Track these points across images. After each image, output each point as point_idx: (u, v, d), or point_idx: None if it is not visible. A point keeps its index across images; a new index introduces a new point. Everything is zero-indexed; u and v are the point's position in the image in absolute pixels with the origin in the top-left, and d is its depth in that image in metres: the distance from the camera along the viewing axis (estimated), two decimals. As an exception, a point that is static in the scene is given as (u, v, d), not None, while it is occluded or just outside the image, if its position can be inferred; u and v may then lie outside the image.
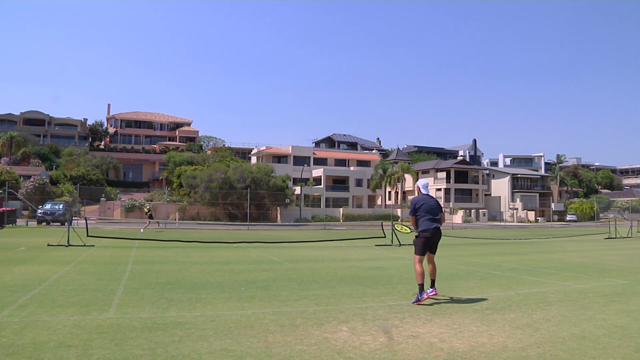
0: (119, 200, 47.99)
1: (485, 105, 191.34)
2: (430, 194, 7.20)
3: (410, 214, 7.10)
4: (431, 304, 6.69)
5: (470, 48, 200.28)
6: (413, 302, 6.59)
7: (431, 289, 6.69)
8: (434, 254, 6.99)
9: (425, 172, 67.58)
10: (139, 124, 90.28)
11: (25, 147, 67.61)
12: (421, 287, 6.60)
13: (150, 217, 29.65)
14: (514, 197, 69.71)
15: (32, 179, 42.22)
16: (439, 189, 64.61)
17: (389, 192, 65.33)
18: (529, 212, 67.55)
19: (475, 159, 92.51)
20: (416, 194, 7.41)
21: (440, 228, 6.96)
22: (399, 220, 47.08)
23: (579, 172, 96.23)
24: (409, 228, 8.16)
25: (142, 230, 26.76)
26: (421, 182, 7.31)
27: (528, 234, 31.92)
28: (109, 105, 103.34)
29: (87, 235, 17.25)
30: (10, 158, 64.14)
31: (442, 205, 7.01)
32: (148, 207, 31.47)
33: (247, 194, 37.89)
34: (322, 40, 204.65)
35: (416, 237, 6.93)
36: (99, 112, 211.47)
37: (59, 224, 32.08)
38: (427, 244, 6.81)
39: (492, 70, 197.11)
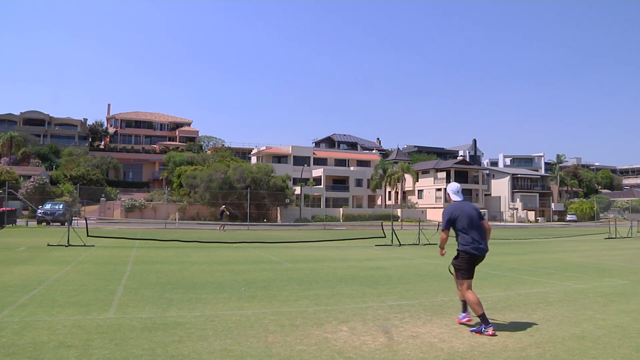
0: (119, 200, 47.98)
1: (485, 105, 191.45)
2: (465, 200, 5.76)
3: (444, 228, 5.48)
4: (431, 304, 6.69)
5: (470, 48, 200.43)
6: (473, 330, 5.18)
7: (463, 314, 5.54)
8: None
9: (425, 172, 67.55)
10: (139, 124, 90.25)
11: (25, 147, 67.59)
12: (483, 317, 5.08)
13: (222, 217, 29.85)
14: (514, 197, 69.71)
15: (32, 179, 42.20)
16: (439, 189, 64.58)
17: (389, 192, 65.31)
18: (529, 212, 67.53)
19: (475, 159, 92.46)
20: (450, 201, 5.85)
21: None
22: (399, 219, 47.11)
23: (579, 172, 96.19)
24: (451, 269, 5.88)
25: (221, 230, 28.13)
26: (452, 186, 5.79)
27: (528, 234, 31.92)
28: (109, 105, 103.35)
29: (87, 235, 17.26)
30: (10, 158, 64.12)
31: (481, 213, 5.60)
32: (222, 209, 31.52)
33: (247, 194, 37.88)
34: (322, 41, 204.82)
35: (456, 257, 5.45)
36: (99, 112, 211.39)
37: (59, 224, 32.08)
38: (473, 263, 5.35)
39: (492, 70, 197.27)
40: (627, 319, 5.92)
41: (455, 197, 5.70)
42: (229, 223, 34.18)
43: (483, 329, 5.03)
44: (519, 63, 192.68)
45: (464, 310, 5.54)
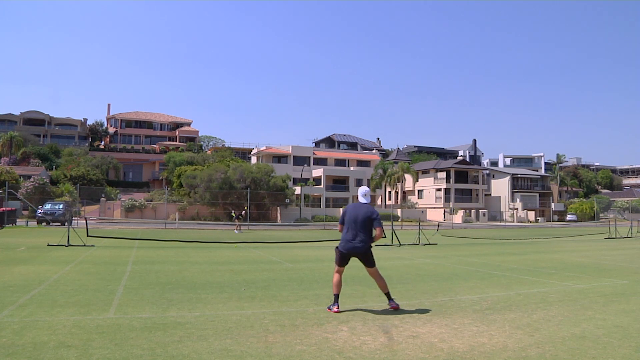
0: (119, 200, 47.97)
1: (485, 105, 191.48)
2: (366, 202, 6.33)
3: (339, 222, 6.44)
4: (431, 304, 6.69)
5: (470, 48, 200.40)
6: (328, 308, 6.14)
7: (390, 302, 6.26)
8: (371, 267, 6.23)
9: (425, 172, 67.57)
10: (139, 124, 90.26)
11: (25, 147, 67.58)
12: (336, 297, 6.09)
13: (238, 218, 29.68)
14: (514, 197, 69.70)
15: (32, 179, 42.18)
16: (439, 189, 64.61)
17: (389, 192, 65.33)
18: (529, 212, 67.52)
19: (475, 159, 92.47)
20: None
21: (364, 245, 6.07)
22: (399, 219, 47.09)
23: (579, 172, 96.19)
24: None
25: (236, 232, 28.06)
26: (361, 189, 6.52)
27: (528, 234, 31.92)
28: (109, 105, 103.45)
29: (87, 235, 17.26)
30: (10, 158, 64.12)
31: (373, 216, 6.15)
32: (241, 211, 31.18)
33: (247, 194, 37.88)
34: (322, 41, 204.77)
35: (337, 247, 6.32)
36: (99, 112, 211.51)
37: (59, 224, 32.08)
38: (344, 257, 6.22)
39: (492, 70, 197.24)
40: (627, 319, 5.92)
41: (361, 199, 6.41)
42: (229, 223, 34.18)
43: (331, 306, 6.08)
44: (519, 63, 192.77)
45: (389, 298, 6.31)
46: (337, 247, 6.31)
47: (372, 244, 6.24)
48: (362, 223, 6.09)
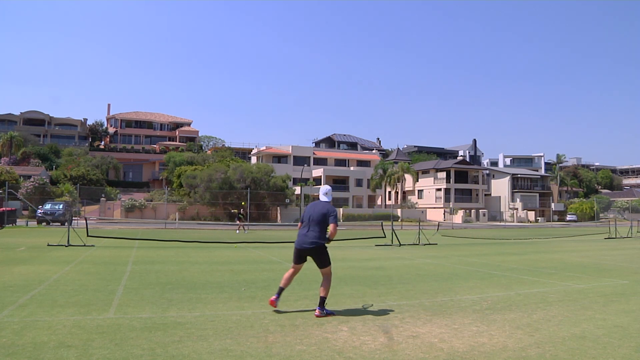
0: (119, 200, 47.98)
1: (485, 105, 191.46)
2: (326, 200, 6.19)
3: (300, 221, 6.32)
4: (431, 304, 6.69)
5: (470, 48, 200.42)
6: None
7: (319, 307, 5.85)
8: (322, 267, 6.00)
9: (425, 172, 67.56)
10: (139, 124, 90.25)
11: (25, 147, 67.57)
12: (280, 290, 6.04)
13: (239, 217, 29.57)
14: (514, 197, 69.70)
15: (32, 179, 42.19)
16: (439, 189, 64.60)
17: (389, 192, 65.33)
18: (529, 212, 67.53)
19: (475, 159, 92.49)
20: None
21: (318, 244, 5.92)
22: (399, 219, 47.08)
23: (579, 172, 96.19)
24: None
25: (237, 232, 27.91)
26: (322, 188, 6.36)
27: (528, 234, 31.92)
28: (109, 105, 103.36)
29: (87, 235, 17.25)
30: (10, 158, 64.11)
31: (330, 214, 6.00)
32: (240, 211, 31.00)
33: (247, 194, 37.90)
34: (322, 41, 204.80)
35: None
36: (99, 112, 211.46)
37: (59, 224, 32.07)
38: (297, 254, 6.09)
39: (492, 70, 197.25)
40: (627, 319, 5.92)
41: (322, 197, 6.28)
42: (229, 223, 34.18)
43: (275, 297, 5.99)
44: (518, 63, 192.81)
45: (319, 304, 5.93)
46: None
47: (329, 243, 6.08)
48: (316, 220, 6.00)
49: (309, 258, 6.11)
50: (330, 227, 5.95)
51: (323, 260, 6.00)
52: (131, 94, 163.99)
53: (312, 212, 6.07)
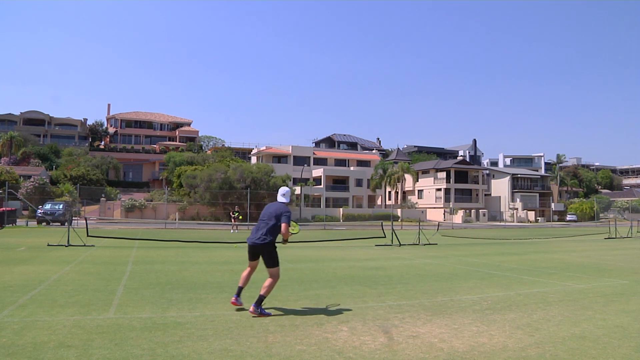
0: (119, 200, 47.97)
1: (485, 105, 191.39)
2: (283, 201, 6.30)
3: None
4: (431, 304, 6.69)
5: (470, 48, 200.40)
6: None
7: (254, 304, 5.86)
8: (269, 267, 6.03)
9: (425, 172, 67.55)
10: (139, 124, 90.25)
11: (25, 147, 67.56)
12: (239, 289, 6.19)
13: (234, 218, 29.56)
14: (514, 197, 69.70)
15: (32, 179, 42.17)
16: (439, 189, 64.59)
17: (389, 192, 65.32)
18: (529, 212, 67.52)
19: (475, 159, 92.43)
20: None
21: (267, 240, 5.99)
22: (399, 219, 47.10)
23: (579, 172, 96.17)
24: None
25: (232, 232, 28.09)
26: (281, 189, 6.43)
27: (528, 234, 31.92)
28: (109, 105, 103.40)
29: (87, 235, 17.25)
30: (10, 158, 64.10)
31: (282, 215, 6.11)
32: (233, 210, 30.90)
33: (247, 194, 37.88)
34: (322, 40, 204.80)
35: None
36: (99, 112, 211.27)
37: (59, 224, 32.07)
38: (250, 252, 6.23)
39: (492, 70, 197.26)
40: (627, 319, 5.92)
41: (279, 198, 6.40)
42: (229, 223, 34.16)
43: (235, 297, 6.14)
44: (518, 63, 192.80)
45: (256, 301, 5.91)
46: None
47: (285, 243, 6.22)
48: (269, 219, 6.12)
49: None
50: (283, 227, 6.04)
51: (271, 259, 6.05)
52: (131, 94, 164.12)
53: (266, 212, 6.26)
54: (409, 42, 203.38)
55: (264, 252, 6.06)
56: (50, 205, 34.36)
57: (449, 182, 63.93)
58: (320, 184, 62.90)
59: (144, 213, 44.75)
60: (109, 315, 5.67)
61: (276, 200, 6.41)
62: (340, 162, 71.54)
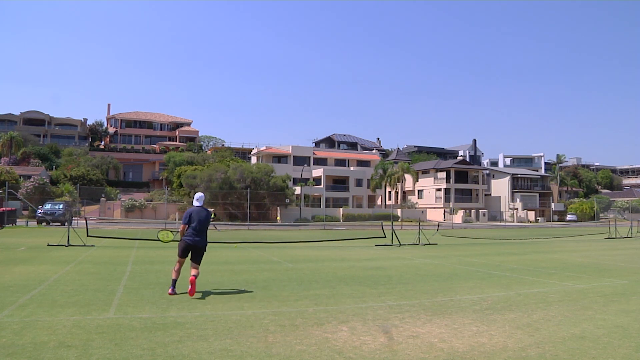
0: (119, 200, 47.98)
1: (485, 105, 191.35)
2: (204, 206, 7.57)
3: (183, 223, 7.39)
4: (431, 304, 6.69)
5: (470, 48, 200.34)
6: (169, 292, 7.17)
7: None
8: (198, 263, 7.31)
9: (425, 172, 67.53)
10: (139, 124, 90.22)
11: (25, 147, 67.54)
12: (174, 282, 7.24)
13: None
14: (514, 197, 69.68)
15: (32, 179, 42.16)
16: (439, 189, 64.59)
17: (389, 192, 65.29)
18: (529, 212, 67.49)
19: (475, 159, 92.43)
20: (191, 205, 7.77)
21: (205, 241, 7.46)
22: (399, 219, 47.10)
23: (579, 172, 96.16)
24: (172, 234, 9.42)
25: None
26: (196, 195, 7.68)
27: (528, 234, 31.92)
28: (109, 105, 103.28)
29: (87, 235, 17.24)
30: (10, 158, 64.09)
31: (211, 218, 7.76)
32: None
33: (247, 194, 37.89)
34: (322, 41, 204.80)
35: (180, 242, 7.44)
36: (99, 112, 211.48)
37: (59, 224, 32.07)
38: (187, 249, 7.31)
39: (492, 70, 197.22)
40: (627, 319, 5.92)
41: (195, 203, 7.54)
42: (229, 223, 34.19)
43: (171, 289, 7.17)
44: (519, 63, 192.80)
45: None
46: (181, 241, 7.36)
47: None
48: (204, 224, 7.39)
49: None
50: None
51: (201, 258, 7.41)
52: (131, 94, 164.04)
53: (200, 217, 7.34)
54: (409, 42, 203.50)
55: (202, 250, 7.40)
56: (50, 205, 34.36)
57: (449, 182, 63.91)
58: (320, 184, 62.87)
59: (144, 213, 44.75)
60: (109, 315, 5.68)
61: (201, 206, 7.51)
62: (340, 162, 71.52)
